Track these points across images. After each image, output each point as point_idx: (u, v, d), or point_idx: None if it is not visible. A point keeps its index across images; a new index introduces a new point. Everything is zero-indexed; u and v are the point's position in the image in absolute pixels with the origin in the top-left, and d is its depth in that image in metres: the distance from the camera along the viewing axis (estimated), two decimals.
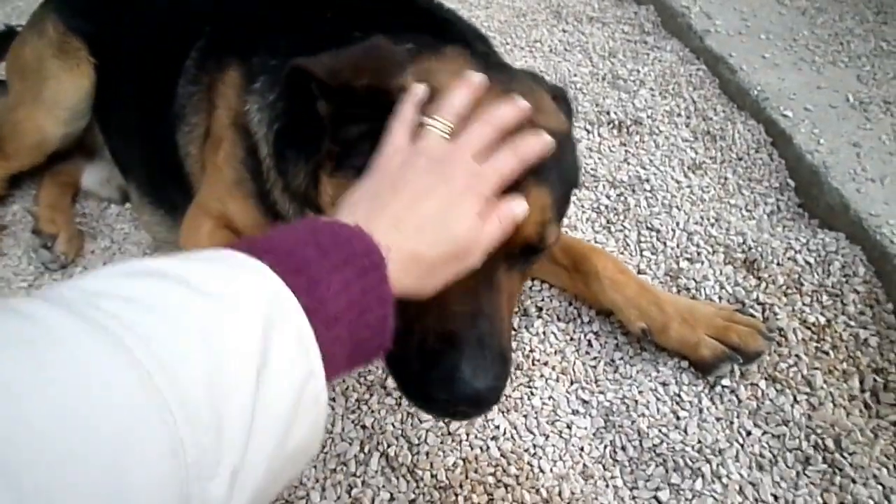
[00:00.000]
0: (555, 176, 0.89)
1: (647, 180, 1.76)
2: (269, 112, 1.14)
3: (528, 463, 1.16)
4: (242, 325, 0.51)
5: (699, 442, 1.18)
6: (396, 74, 0.87)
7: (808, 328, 1.35)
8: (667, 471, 1.14)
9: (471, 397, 0.82)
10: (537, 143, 0.83)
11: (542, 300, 1.45)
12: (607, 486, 1.14)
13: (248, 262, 0.57)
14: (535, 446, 1.19)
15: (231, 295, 0.52)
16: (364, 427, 1.22)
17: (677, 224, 1.62)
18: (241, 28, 1.35)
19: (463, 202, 0.76)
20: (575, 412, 1.25)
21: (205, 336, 0.48)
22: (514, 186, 0.84)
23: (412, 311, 0.85)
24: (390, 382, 1.27)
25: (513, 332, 1.38)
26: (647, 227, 1.62)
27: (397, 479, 1.14)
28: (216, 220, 1.30)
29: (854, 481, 1.11)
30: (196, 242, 1.30)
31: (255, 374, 0.50)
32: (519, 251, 0.90)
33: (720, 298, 1.42)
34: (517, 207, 0.82)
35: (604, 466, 1.17)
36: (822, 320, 1.37)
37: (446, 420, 1.23)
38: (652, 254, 1.56)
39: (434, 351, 0.84)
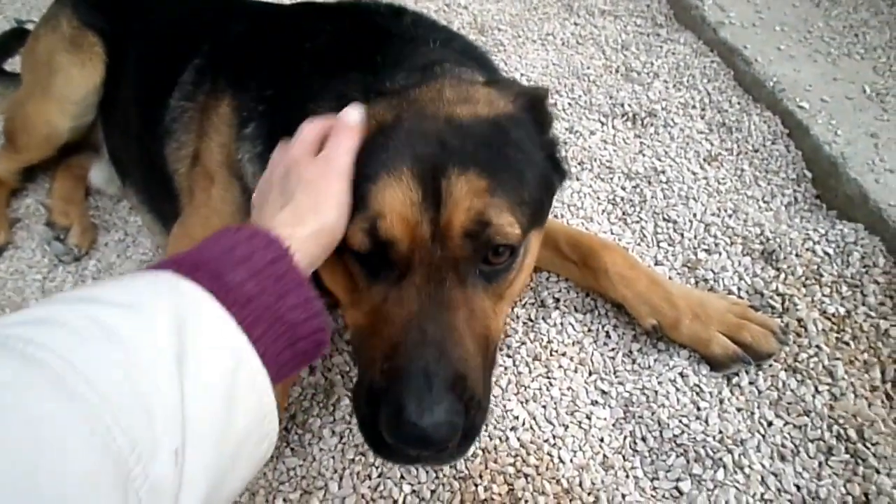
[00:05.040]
0: (486, 160, 0.83)
1: (663, 172, 1.74)
2: (259, 165, 1.11)
3: (548, 453, 1.16)
4: (149, 325, 0.58)
5: (720, 432, 1.17)
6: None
7: (829, 319, 1.34)
8: (688, 461, 1.14)
9: (416, 437, 0.72)
10: (347, 114, 0.89)
11: (559, 291, 1.44)
12: (628, 476, 1.13)
13: (150, 273, 0.66)
14: (554, 437, 1.18)
15: (135, 303, 0.59)
16: None
17: (694, 215, 1.60)
18: (236, 53, 1.33)
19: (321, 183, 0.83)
20: (594, 402, 1.24)
21: (114, 339, 0.55)
22: (436, 174, 0.80)
23: (365, 348, 0.84)
24: None
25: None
26: (664, 219, 1.61)
27: (416, 469, 1.14)
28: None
29: (878, 471, 1.10)
30: None
31: (174, 363, 0.56)
32: (470, 255, 0.82)
33: (739, 290, 1.41)
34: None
35: (624, 457, 1.16)
36: (842, 311, 1.35)
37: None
38: (669, 245, 1.55)
39: (379, 389, 0.77)
